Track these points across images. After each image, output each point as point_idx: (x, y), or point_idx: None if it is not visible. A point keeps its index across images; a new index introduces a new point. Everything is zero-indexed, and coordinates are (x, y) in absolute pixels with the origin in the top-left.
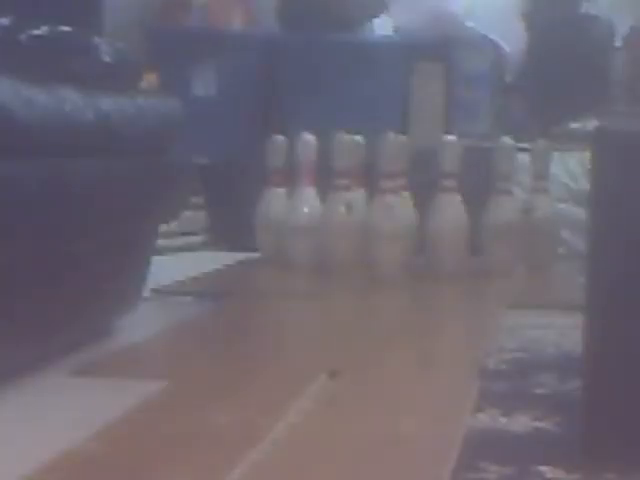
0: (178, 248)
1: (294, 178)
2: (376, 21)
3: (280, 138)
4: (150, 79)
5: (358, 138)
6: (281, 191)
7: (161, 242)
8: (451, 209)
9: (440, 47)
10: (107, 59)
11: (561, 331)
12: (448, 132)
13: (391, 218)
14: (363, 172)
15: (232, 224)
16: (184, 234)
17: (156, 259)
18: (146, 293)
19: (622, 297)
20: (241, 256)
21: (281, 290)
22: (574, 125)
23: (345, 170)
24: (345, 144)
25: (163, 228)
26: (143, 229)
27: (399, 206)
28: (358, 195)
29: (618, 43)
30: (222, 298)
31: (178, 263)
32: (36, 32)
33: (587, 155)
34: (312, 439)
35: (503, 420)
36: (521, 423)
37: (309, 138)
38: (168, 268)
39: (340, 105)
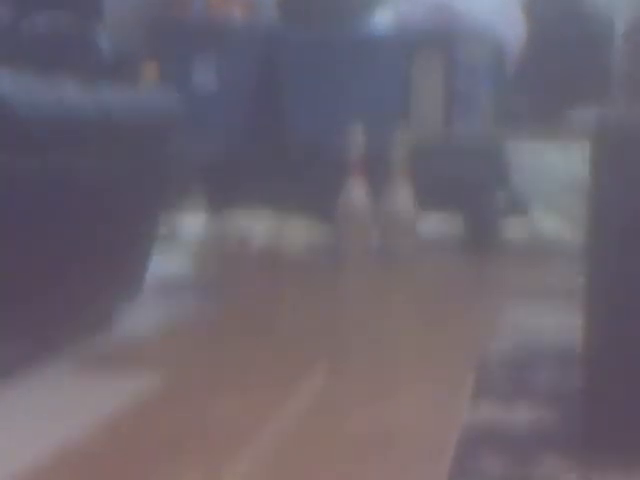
0: (178, 248)
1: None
2: (377, 13)
3: (358, 128)
4: (150, 71)
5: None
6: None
7: (161, 242)
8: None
9: (441, 39)
10: (107, 52)
11: (561, 330)
12: (448, 123)
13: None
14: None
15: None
16: (184, 234)
17: (156, 258)
18: (146, 291)
19: (622, 296)
20: None
21: (280, 288)
22: (574, 117)
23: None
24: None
25: (163, 228)
26: (143, 227)
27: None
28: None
29: (618, 36)
30: (222, 296)
31: (178, 262)
32: (36, 25)
33: (587, 150)
34: (311, 439)
35: (503, 416)
36: (522, 419)
37: (357, 131)
38: (168, 267)
39: (341, 97)
